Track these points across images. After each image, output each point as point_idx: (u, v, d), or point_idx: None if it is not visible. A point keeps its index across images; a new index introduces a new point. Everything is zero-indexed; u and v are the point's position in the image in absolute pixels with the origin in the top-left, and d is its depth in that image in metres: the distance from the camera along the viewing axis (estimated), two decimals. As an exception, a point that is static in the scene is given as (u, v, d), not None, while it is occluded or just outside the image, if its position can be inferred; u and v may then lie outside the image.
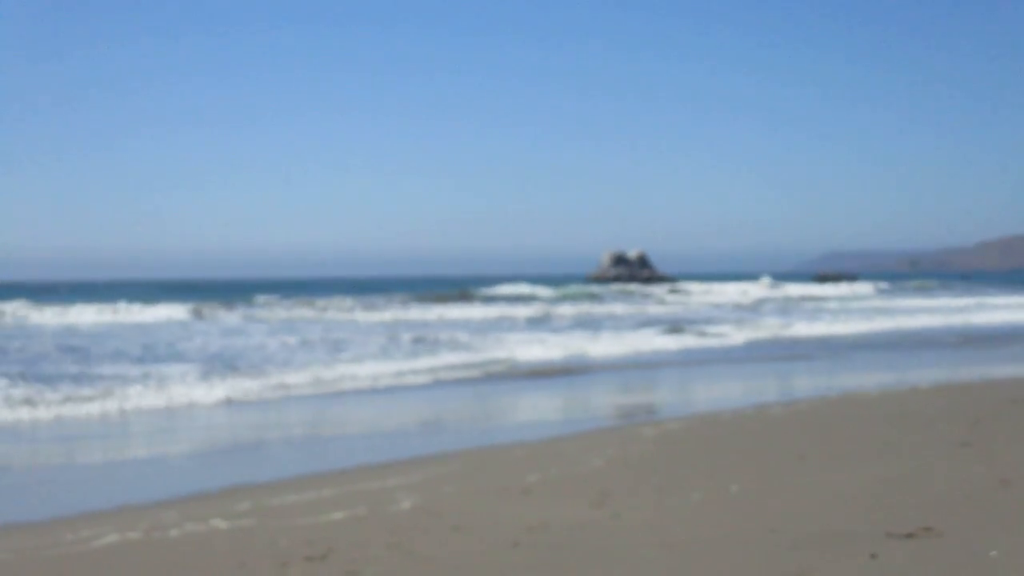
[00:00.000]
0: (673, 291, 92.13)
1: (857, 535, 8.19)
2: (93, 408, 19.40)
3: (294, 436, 17.46)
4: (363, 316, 56.73)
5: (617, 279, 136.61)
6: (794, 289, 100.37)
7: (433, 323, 49.76)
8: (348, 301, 71.14)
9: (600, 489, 10.98)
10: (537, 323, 49.60)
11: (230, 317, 54.23)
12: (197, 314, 56.62)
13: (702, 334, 40.66)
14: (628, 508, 10.00)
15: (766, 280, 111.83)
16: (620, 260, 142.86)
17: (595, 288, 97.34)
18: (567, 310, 63.24)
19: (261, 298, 75.69)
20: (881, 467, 11.33)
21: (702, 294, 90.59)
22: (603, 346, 34.84)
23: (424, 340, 35.77)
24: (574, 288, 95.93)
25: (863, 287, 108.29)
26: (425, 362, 28.50)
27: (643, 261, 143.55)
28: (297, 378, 24.15)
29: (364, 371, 25.87)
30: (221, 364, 26.90)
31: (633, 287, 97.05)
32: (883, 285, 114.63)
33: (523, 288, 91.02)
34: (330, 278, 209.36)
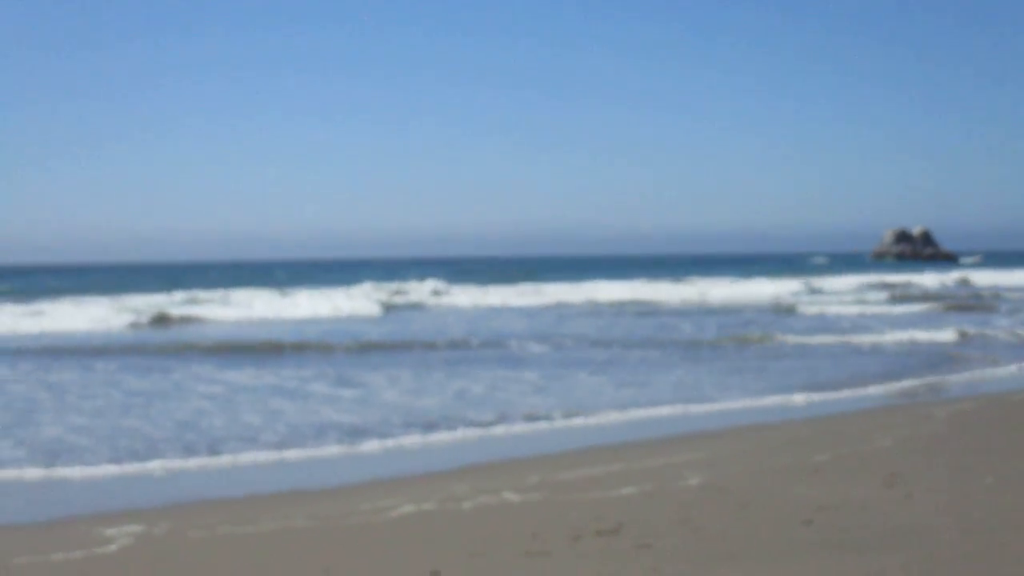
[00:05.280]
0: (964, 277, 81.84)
1: None
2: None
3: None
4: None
5: (900, 256, 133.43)
6: None
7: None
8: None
9: (891, 469, 10.80)
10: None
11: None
12: None
13: None
14: (920, 489, 9.81)
15: None
16: (903, 237, 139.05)
17: (917, 275, 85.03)
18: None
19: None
20: None
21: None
22: None
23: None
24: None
25: None
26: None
27: (927, 238, 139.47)
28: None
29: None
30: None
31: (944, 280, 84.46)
32: None
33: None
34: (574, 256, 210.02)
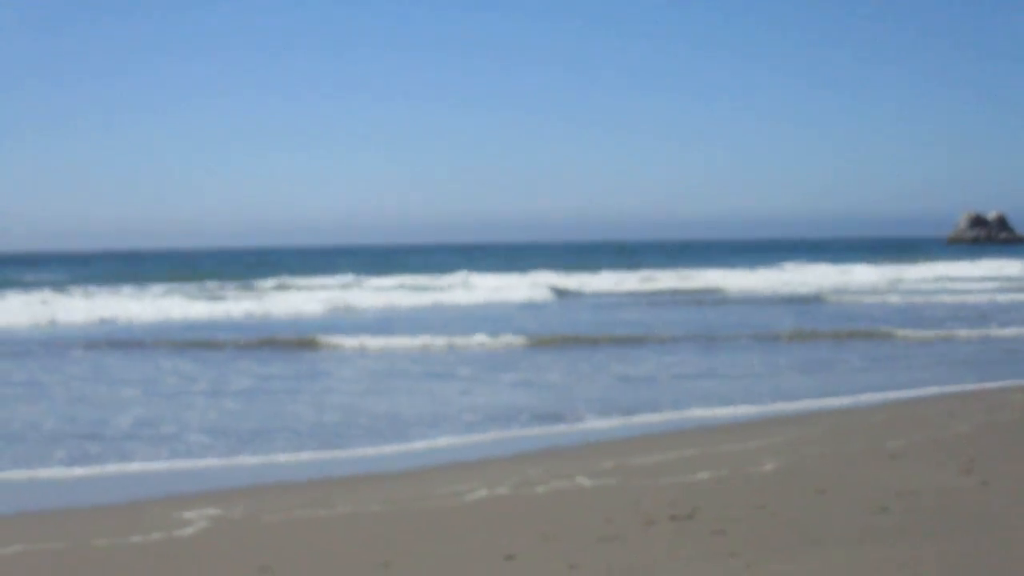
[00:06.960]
0: None
1: None
2: None
3: None
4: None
5: (975, 241, 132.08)
6: None
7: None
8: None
9: (968, 455, 10.68)
10: None
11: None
12: None
13: None
14: (999, 476, 9.69)
15: None
16: (978, 222, 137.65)
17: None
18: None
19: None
20: None
21: None
22: None
23: None
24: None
25: None
26: None
27: (1002, 223, 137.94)
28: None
29: None
30: None
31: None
32: None
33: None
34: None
